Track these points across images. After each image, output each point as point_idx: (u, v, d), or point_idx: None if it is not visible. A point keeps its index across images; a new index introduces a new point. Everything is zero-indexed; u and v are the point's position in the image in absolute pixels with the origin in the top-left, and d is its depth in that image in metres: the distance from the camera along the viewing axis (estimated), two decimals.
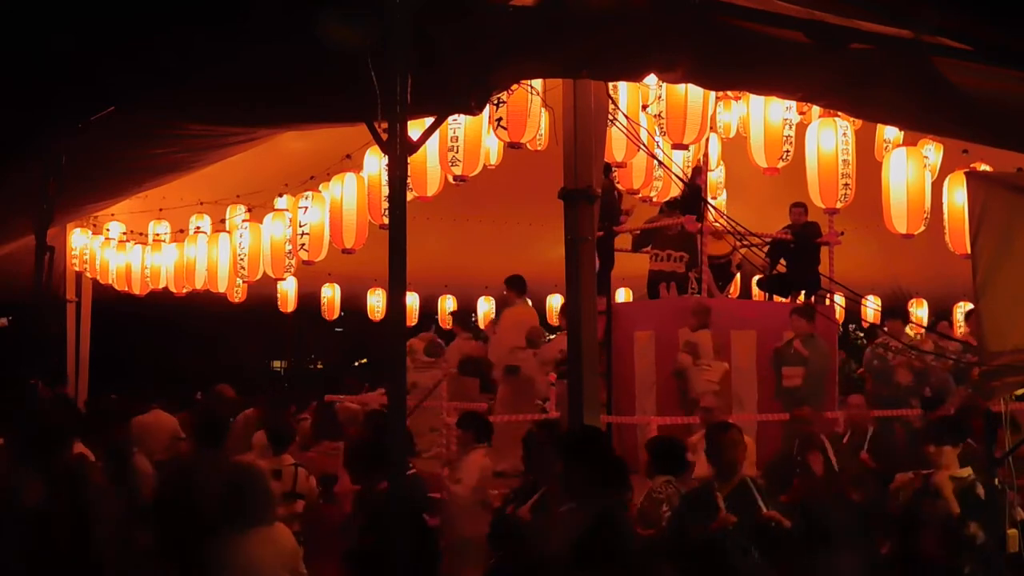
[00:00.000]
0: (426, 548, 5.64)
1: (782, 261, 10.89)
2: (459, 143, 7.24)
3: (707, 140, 9.25)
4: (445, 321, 15.78)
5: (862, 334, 12.94)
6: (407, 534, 4.04)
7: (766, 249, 10.89)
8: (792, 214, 10.91)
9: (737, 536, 4.82)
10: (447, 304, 16.50)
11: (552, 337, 11.86)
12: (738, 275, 12.14)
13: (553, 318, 14.84)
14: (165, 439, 8.33)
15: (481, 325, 15.44)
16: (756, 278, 12.37)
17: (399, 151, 3.92)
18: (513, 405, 9.62)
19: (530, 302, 12.11)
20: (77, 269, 12.47)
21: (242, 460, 4.84)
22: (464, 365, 10.60)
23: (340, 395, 12.65)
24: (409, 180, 6.90)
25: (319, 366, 28.29)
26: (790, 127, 7.69)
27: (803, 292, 10.86)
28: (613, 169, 8.55)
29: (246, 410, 10.09)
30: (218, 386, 7.50)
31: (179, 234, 11.55)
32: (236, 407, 8.40)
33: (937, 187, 8.07)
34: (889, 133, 8.98)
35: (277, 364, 28.27)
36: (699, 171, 10.16)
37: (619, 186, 9.71)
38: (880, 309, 11.94)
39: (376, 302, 15.88)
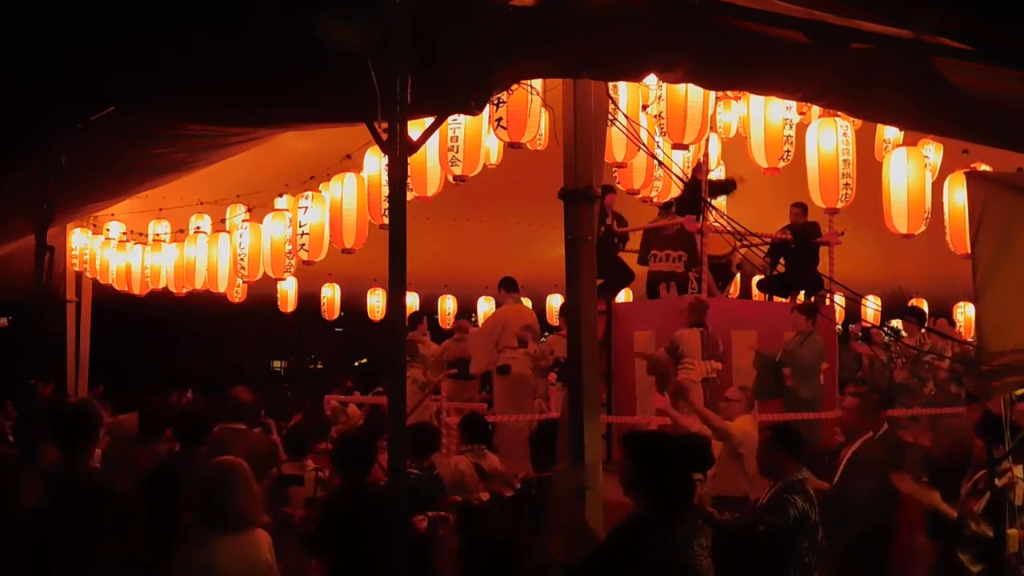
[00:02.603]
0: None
1: (782, 261, 10.90)
2: (459, 143, 7.23)
3: (707, 140, 9.25)
4: (445, 321, 15.81)
5: (861, 334, 12.92)
6: (405, 532, 4.02)
7: (766, 249, 10.91)
8: (792, 214, 10.92)
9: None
10: (447, 304, 16.52)
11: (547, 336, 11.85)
12: (738, 275, 12.15)
13: (553, 318, 14.85)
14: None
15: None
16: (756, 278, 12.37)
17: (399, 151, 3.91)
18: (508, 404, 9.60)
19: (528, 302, 12.11)
20: (77, 269, 12.46)
21: (225, 459, 4.65)
22: (456, 366, 10.61)
23: (338, 395, 12.70)
24: (409, 180, 6.90)
25: (319, 366, 28.30)
26: (790, 127, 7.69)
27: (803, 292, 10.87)
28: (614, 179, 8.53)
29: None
30: (234, 388, 7.41)
31: (179, 234, 11.55)
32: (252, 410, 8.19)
33: (937, 187, 8.06)
34: (889, 133, 8.98)
35: (277, 364, 28.31)
36: (700, 168, 10.14)
37: (618, 188, 9.70)
38: (880, 309, 11.94)
39: (376, 302, 15.90)
